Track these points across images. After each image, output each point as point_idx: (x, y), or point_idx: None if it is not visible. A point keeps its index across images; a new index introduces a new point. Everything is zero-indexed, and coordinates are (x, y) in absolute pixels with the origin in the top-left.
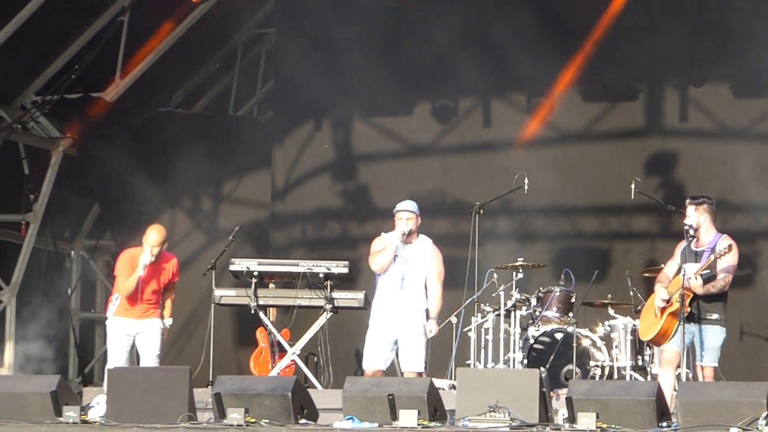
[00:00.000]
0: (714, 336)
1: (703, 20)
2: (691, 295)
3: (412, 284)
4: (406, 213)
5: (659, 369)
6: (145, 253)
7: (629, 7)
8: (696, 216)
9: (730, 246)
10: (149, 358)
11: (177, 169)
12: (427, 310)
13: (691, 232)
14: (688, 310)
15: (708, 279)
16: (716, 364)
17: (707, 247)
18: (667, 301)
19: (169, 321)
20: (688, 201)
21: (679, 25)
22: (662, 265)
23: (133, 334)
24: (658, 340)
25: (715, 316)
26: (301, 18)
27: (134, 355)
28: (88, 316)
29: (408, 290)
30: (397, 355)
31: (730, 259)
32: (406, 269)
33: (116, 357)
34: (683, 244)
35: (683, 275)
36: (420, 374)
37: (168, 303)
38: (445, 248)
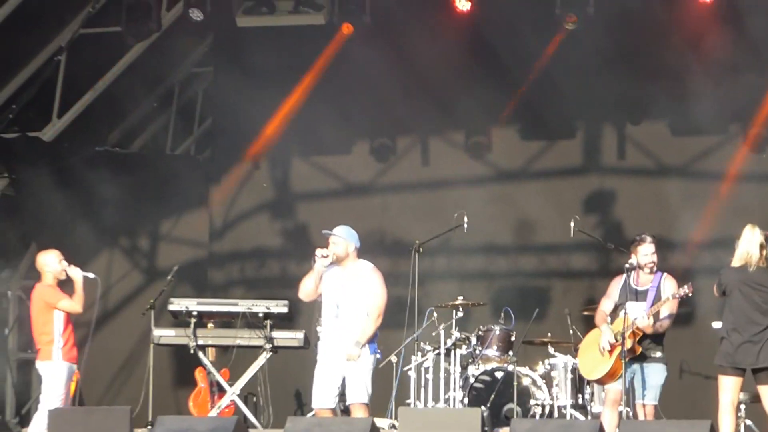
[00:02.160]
0: (656, 374)
1: (640, 59)
2: (640, 334)
3: (348, 312)
4: (332, 236)
5: (602, 407)
6: (70, 268)
7: (566, 45)
8: (656, 254)
9: (689, 287)
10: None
11: (114, 208)
12: None
13: (648, 269)
14: (639, 349)
15: (654, 319)
16: (657, 402)
17: (651, 285)
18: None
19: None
20: (650, 239)
21: (616, 64)
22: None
23: None
24: (606, 380)
25: (658, 354)
26: (238, 57)
27: None
28: (25, 357)
29: (343, 319)
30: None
31: (677, 302)
32: (340, 297)
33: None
34: (619, 280)
35: (625, 313)
36: (363, 405)
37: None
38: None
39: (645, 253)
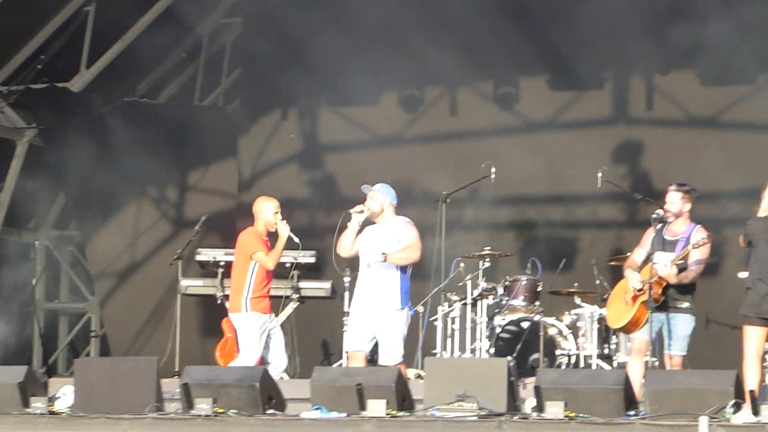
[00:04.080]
0: (684, 324)
1: (669, 7)
2: (664, 283)
3: (381, 267)
4: (369, 191)
5: (628, 357)
6: (281, 223)
7: None
8: (681, 204)
9: (709, 237)
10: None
11: (143, 158)
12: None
13: (671, 219)
14: (662, 298)
15: (680, 269)
16: (685, 353)
17: (682, 236)
18: (640, 289)
19: None
20: (674, 187)
21: (645, 13)
22: (629, 254)
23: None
24: (629, 328)
25: (685, 304)
26: (266, 7)
27: None
28: (53, 307)
29: (375, 274)
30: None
31: (705, 251)
32: (373, 251)
33: (257, 355)
34: (653, 230)
35: (654, 263)
36: (395, 367)
37: None
38: None
39: (667, 200)
